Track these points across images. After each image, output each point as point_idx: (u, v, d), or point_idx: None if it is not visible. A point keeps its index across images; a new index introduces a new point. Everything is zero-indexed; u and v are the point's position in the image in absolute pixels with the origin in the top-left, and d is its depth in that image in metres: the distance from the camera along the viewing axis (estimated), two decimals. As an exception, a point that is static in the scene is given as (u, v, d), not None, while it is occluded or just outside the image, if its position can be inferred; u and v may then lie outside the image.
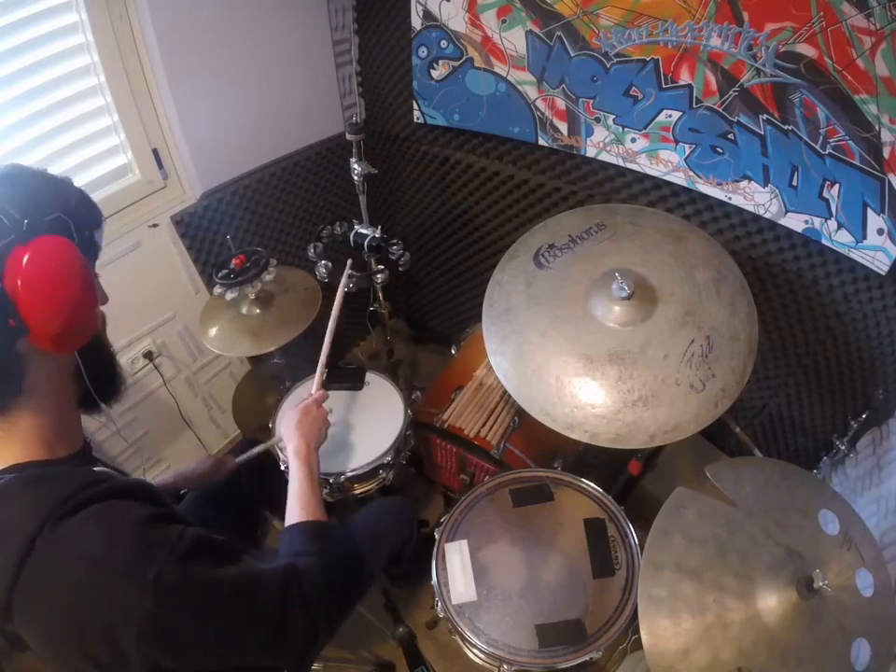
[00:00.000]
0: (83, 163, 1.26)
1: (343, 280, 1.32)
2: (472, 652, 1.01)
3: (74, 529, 0.55)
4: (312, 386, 1.15)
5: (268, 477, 1.23)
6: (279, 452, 1.24)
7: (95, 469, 0.67)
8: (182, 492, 1.10)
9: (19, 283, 0.55)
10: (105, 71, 1.21)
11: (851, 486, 1.22)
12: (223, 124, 1.45)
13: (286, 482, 1.23)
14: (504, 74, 1.38)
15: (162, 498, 0.72)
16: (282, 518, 0.89)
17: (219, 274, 1.30)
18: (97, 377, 0.70)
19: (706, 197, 1.27)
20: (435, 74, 1.49)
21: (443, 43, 1.43)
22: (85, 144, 1.26)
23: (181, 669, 0.60)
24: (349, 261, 1.37)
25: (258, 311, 1.40)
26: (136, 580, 0.55)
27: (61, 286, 0.59)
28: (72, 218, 0.62)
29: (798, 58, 0.99)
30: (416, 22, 1.44)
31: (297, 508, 0.87)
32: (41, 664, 0.61)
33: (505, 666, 0.96)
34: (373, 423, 1.32)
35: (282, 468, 1.24)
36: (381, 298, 1.67)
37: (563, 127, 1.37)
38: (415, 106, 1.59)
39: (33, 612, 0.56)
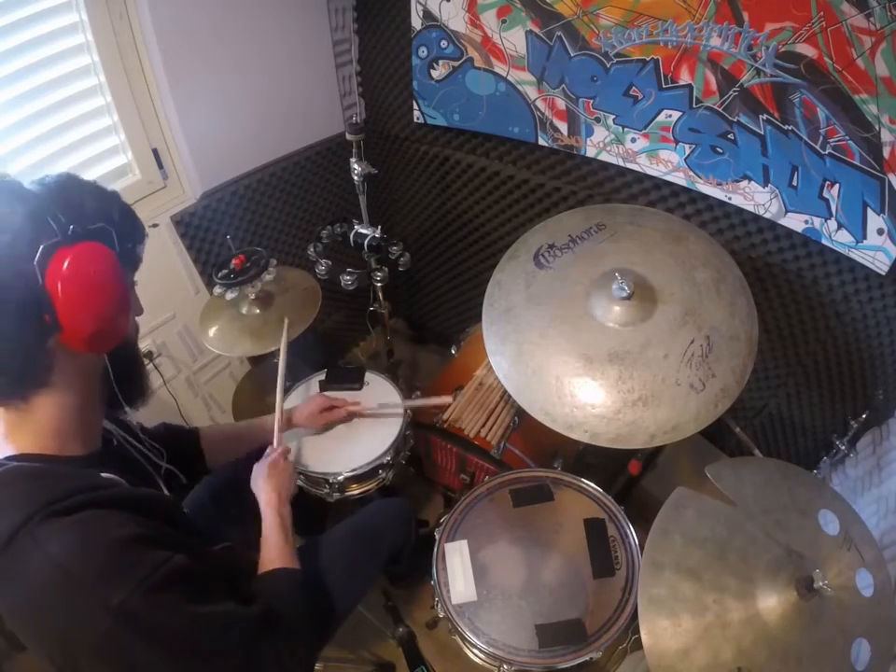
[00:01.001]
0: (83, 163, 1.26)
1: (283, 338, 1.28)
2: (472, 652, 1.01)
3: (55, 532, 0.56)
4: (273, 439, 1.14)
5: None
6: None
7: (103, 474, 0.67)
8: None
9: (58, 284, 0.59)
10: (105, 71, 1.21)
11: (851, 486, 1.22)
12: (223, 124, 1.45)
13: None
14: (504, 74, 1.38)
15: (171, 512, 0.72)
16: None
17: (219, 274, 1.30)
18: (124, 380, 0.73)
19: (706, 197, 1.27)
20: (435, 74, 1.49)
21: (443, 43, 1.43)
22: (85, 144, 1.26)
23: None
24: (286, 321, 1.32)
25: (258, 311, 1.40)
26: (100, 599, 0.55)
27: (96, 291, 0.62)
28: (115, 230, 0.66)
29: (798, 58, 0.99)
30: (416, 22, 1.44)
31: (273, 556, 0.88)
32: (41, 663, 0.61)
33: (505, 666, 0.96)
34: (373, 423, 1.32)
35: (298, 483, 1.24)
36: (381, 298, 1.67)
37: (563, 127, 1.37)
38: (415, 106, 1.59)
39: (3, 600, 0.57)
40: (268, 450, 1.10)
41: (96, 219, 0.63)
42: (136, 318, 0.77)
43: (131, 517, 0.62)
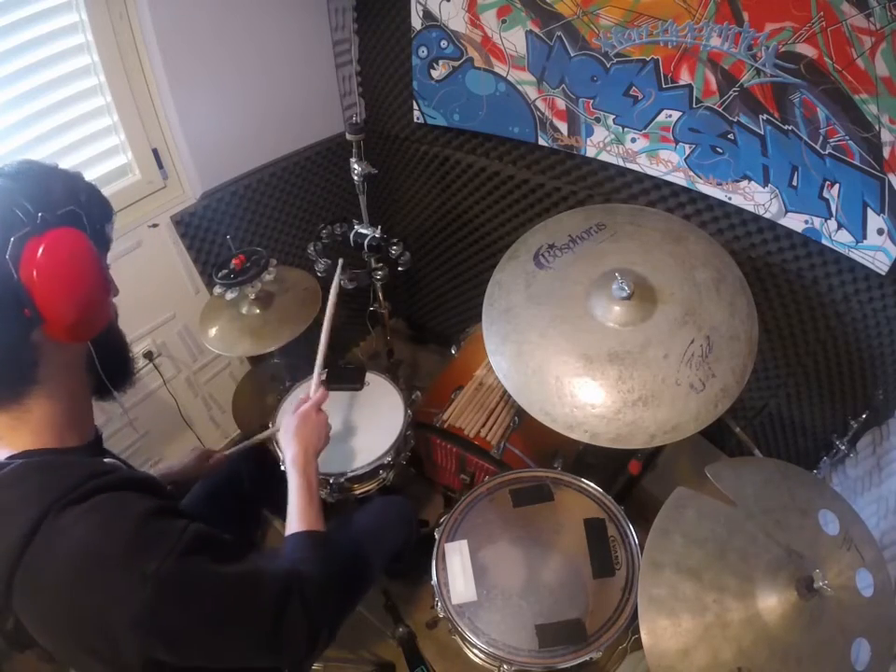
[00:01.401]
0: (83, 163, 1.26)
1: (336, 279, 1.30)
2: (472, 652, 1.01)
3: (77, 518, 0.56)
4: (310, 387, 1.12)
5: (269, 476, 1.23)
6: (279, 450, 1.24)
7: (105, 460, 0.68)
8: (168, 487, 1.10)
9: (34, 274, 0.57)
10: (105, 71, 1.21)
11: (851, 486, 1.22)
12: (223, 124, 1.45)
13: (286, 481, 1.23)
14: (504, 74, 1.38)
15: (167, 493, 0.72)
16: (282, 517, 0.89)
17: (219, 274, 1.30)
18: (110, 365, 0.72)
19: (706, 197, 1.27)
20: (435, 74, 1.49)
21: (443, 43, 1.43)
22: (85, 144, 1.26)
23: (176, 663, 0.60)
24: (340, 260, 1.35)
25: (258, 311, 1.40)
26: (135, 572, 0.55)
27: (75, 277, 0.60)
28: (84, 212, 0.64)
29: (798, 58, 0.99)
30: (416, 22, 1.44)
31: (295, 518, 0.87)
32: (41, 663, 0.61)
33: (505, 666, 0.96)
34: (373, 423, 1.32)
35: (282, 468, 1.24)
36: (381, 298, 1.67)
37: (563, 127, 1.37)
38: (415, 106, 1.59)
39: (32, 597, 0.57)
40: (300, 398, 1.06)
41: (64, 203, 0.61)
42: (115, 300, 0.75)
43: (141, 495, 0.62)
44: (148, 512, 0.59)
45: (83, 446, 0.68)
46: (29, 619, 0.59)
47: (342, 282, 1.50)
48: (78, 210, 0.63)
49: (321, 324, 1.21)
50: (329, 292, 1.26)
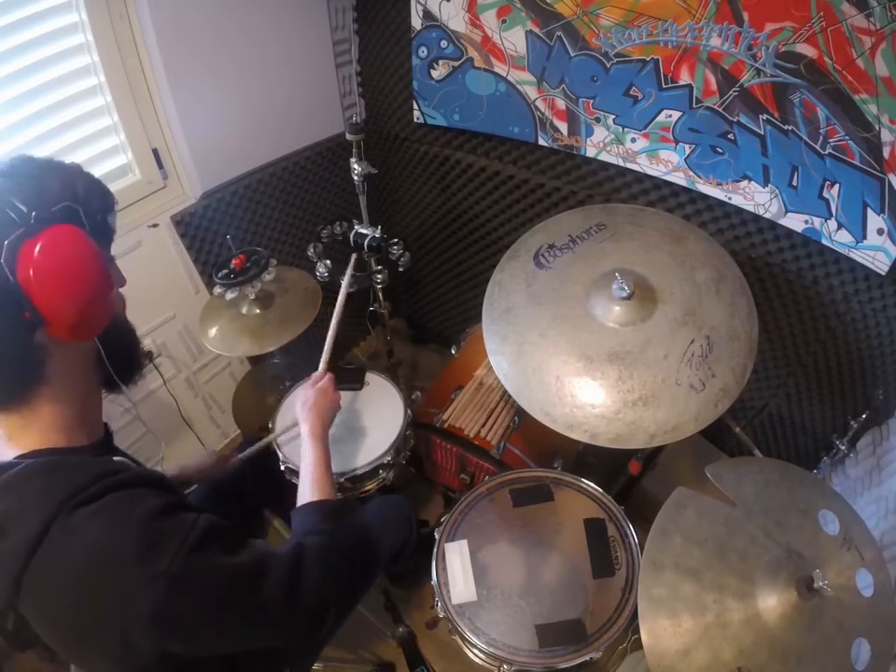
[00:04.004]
0: (83, 163, 1.25)
1: (348, 272, 1.32)
2: (472, 652, 1.01)
3: (87, 519, 0.56)
4: (321, 366, 1.16)
5: (271, 476, 1.23)
6: (278, 449, 1.24)
7: (114, 458, 0.68)
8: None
9: (31, 276, 0.56)
10: (105, 71, 1.21)
11: (851, 486, 1.22)
12: (223, 124, 1.45)
13: (287, 481, 1.23)
14: (504, 74, 1.38)
15: (176, 489, 0.72)
16: (282, 518, 0.89)
17: (219, 274, 1.30)
18: (118, 359, 0.70)
19: (706, 197, 1.27)
20: (435, 74, 1.49)
21: (443, 43, 1.43)
22: (85, 144, 1.26)
23: (191, 654, 0.61)
24: (353, 256, 1.36)
25: (258, 311, 1.40)
26: (147, 570, 0.55)
27: (73, 276, 0.59)
28: (81, 205, 0.62)
29: (798, 58, 0.99)
30: (416, 22, 1.44)
31: (309, 488, 0.87)
32: (42, 663, 0.61)
33: (505, 666, 0.96)
34: (373, 423, 1.32)
35: (281, 467, 1.24)
36: (381, 298, 1.67)
37: (563, 127, 1.37)
38: (415, 106, 1.59)
39: (42, 597, 0.57)
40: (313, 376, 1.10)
41: (59, 199, 0.60)
42: (121, 290, 0.74)
43: (152, 491, 0.62)
44: (159, 509, 0.59)
45: (92, 444, 0.68)
46: (37, 619, 0.59)
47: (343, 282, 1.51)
48: (75, 205, 0.61)
49: (331, 315, 1.24)
50: (334, 291, 1.28)
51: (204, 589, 0.59)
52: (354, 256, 1.40)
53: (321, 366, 1.16)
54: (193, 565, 0.57)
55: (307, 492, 0.87)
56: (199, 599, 0.58)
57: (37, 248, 0.56)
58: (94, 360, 0.68)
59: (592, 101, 1.29)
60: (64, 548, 0.55)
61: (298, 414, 1.02)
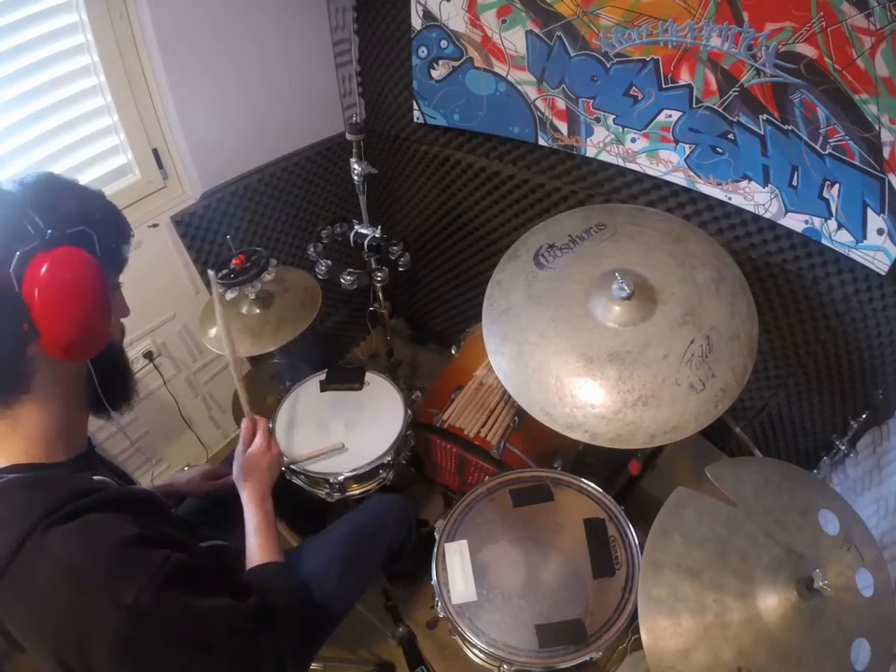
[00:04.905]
0: (83, 163, 1.26)
1: (215, 294, 1.12)
2: (472, 652, 1.01)
3: (60, 540, 0.56)
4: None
5: None
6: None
7: (94, 477, 0.67)
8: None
9: (35, 291, 0.57)
10: (104, 71, 1.21)
11: (851, 486, 1.22)
12: (223, 124, 1.45)
13: (286, 482, 1.23)
14: (504, 74, 1.38)
15: (160, 509, 0.72)
16: (282, 518, 0.89)
17: (219, 274, 1.30)
18: (109, 384, 0.72)
19: (706, 197, 1.27)
20: (435, 74, 1.49)
21: (443, 43, 1.43)
22: (85, 144, 1.26)
23: None
24: (210, 272, 1.13)
25: (258, 311, 1.40)
26: (113, 599, 0.55)
27: (75, 299, 0.60)
28: (96, 231, 0.64)
29: (798, 58, 0.99)
30: (416, 22, 1.44)
31: (256, 552, 0.88)
32: (41, 664, 0.62)
33: (505, 666, 0.96)
34: (373, 423, 1.32)
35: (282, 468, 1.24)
36: (381, 298, 1.67)
37: (563, 127, 1.37)
38: (415, 106, 1.59)
39: (14, 610, 0.58)
40: (242, 424, 1.05)
41: (76, 222, 0.62)
42: (123, 320, 0.76)
43: (128, 517, 0.62)
44: (130, 539, 0.59)
45: (72, 460, 0.68)
46: (13, 629, 0.60)
47: (343, 282, 1.51)
48: (90, 230, 0.63)
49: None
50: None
51: (166, 626, 0.59)
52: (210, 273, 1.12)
53: (245, 420, 1.08)
54: (158, 602, 0.58)
55: (254, 556, 0.87)
56: (159, 635, 0.58)
57: (46, 265, 0.57)
58: (84, 381, 0.70)
59: (592, 101, 1.29)
60: (36, 565, 0.55)
61: (235, 481, 1.00)
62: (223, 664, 0.65)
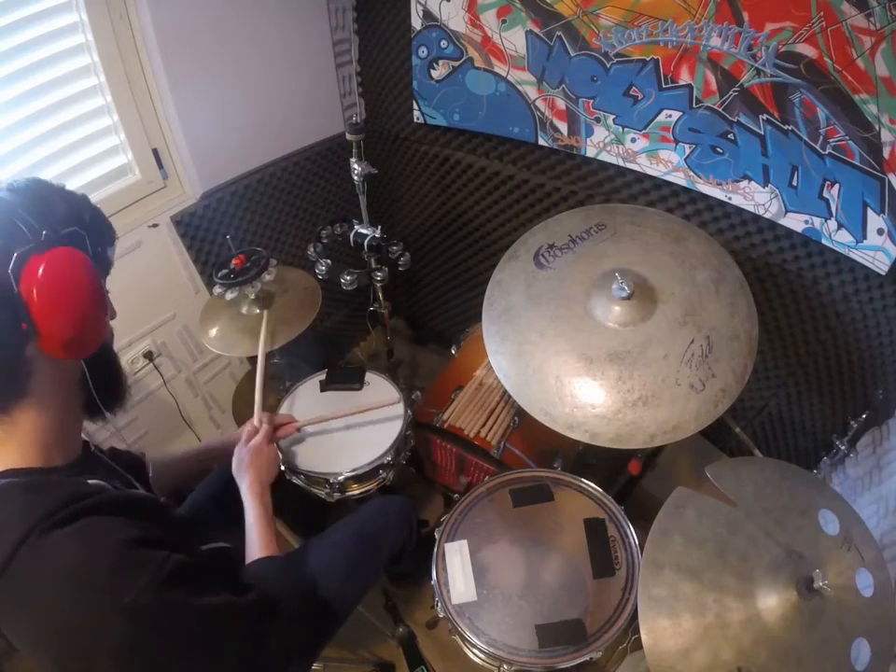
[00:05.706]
0: (83, 163, 1.26)
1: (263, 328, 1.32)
2: (472, 652, 1.01)
3: (58, 543, 0.56)
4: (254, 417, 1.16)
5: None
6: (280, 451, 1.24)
7: (90, 481, 0.67)
8: (162, 499, 1.10)
9: (34, 290, 0.58)
10: (105, 71, 1.21)
11: (851, 486, 1.22)
12: (223, 124, 1.45)
13: (286, 481, 1.23)
14: (504, 74, 1.38)
15: (159, 511, 0.72)
16: (283, 519, 0.90)
17: (219, 274, 1.30)
18: (102, 385, 0.72)
19: (706, 197, 1.27)
20: (435, 74, 1.49)
21: (443, 43, 1.43)
22: (85, 144, 1.26)
23: None
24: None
25: (258, 311, 1.40)
26: (113, 601, 0.56)
27: (74, 295, 0.62)
28: (87, 233, 0.65)
29: (798, 58, 0.99)
30: (416, 22, 1.44)
31: (257, 545, 0.89)
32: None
33: (505, 666, 0.96)
34: (373, 423, 1.32)
35: (282, 467, 1.24)
36: (381, 298, 1.67)
37: (563, 127, 1.37)
38: (415, 106, 1.59)
39: (11, 613, 0.58)
40: (247, 425, 1.09)
41: (68, 224, 0.63)
42: (112, 323, 0.76)
43: (125, 520, 0.62)
44: (129, 541, 0.59)
45: (70, 464, 0.68)
46: (8, 633, 0.60)
47: (343, 282, 1.51)
48: (81, 231, 0.64)
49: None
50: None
51: (168, 626, 0.59)
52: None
53: (255, 417, 1.15)
54: (161, 601, 0.58)
55: (254, 549, 0.89)
56: (161, 635, 0.59)
57: (44, 264, 0.59)
58: (78, 383, 0.70)
59: (592, 101, 1.29)
60: (33, 570, 0.56)
61: (235, 475, 1.02)
62: (226, 662, 0.65)
